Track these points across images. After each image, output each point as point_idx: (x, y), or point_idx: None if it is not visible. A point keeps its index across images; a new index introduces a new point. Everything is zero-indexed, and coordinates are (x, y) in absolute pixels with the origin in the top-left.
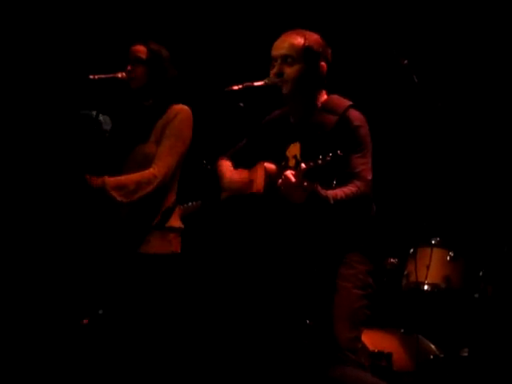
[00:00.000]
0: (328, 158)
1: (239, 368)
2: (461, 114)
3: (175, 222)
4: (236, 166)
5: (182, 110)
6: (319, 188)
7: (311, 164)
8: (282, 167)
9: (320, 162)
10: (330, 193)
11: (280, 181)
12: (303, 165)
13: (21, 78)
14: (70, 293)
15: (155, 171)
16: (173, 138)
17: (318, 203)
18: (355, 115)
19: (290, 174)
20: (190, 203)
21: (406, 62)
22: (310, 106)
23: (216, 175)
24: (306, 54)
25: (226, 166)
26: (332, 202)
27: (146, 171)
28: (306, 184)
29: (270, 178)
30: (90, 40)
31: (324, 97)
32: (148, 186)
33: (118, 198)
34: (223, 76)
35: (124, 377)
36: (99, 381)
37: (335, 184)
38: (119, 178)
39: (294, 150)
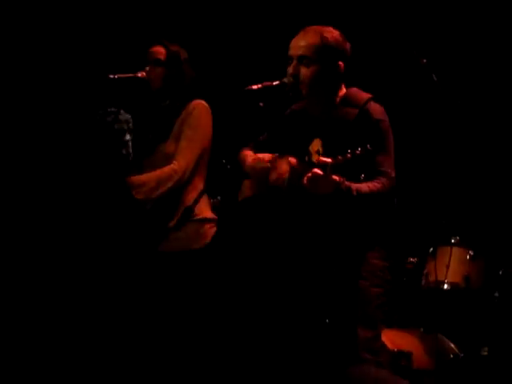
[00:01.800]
0: (357, 152)
1: (257, 364)
2: (480, 112)
3: (208, 212)
4: None
5: (197, 104)
6: (344, 180)
7: (340, 158)
8: (305, 162)
9: (349, 156)
10: (355, 185)
11: (308, 175)
12: (330, 159)
13: (40, 77)
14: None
15: (175, 166)
16: (190, 133)
17: (341, 194)
18: (376, 108)
19: (317, 169)
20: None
21: (425, 61)
22: (328, 101)
23: (238, 164)
24: (322, 54)
25: (248, 152)
26: (355, 193)
27: (166, 167)
28: (333, 178)
29: (294, 173)
30: (109, 39)
31: (343, 91)
32: (169, 181)
33: (139, 197)
34: (243, 75)
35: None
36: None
37: (363, 178)
38: (139, 176)
39: (316, 144)
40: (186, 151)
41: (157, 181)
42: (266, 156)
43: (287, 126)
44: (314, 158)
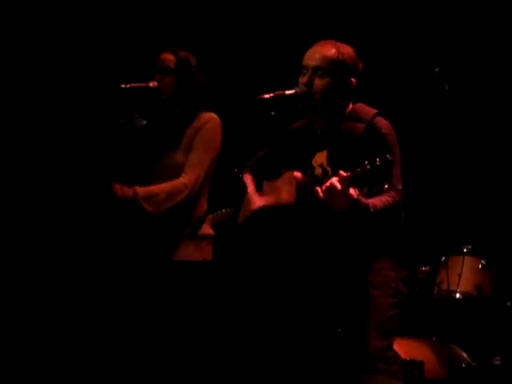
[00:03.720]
0: (378, 163)
1: (269, 374)
2: (492, 122)
3: (207, 229)
4: (257, 176)
5: (210, 118)
6: (360, 196)
7: (358, 170)
8: (309, 176)
9: (369, 167)
10: (371, 201)
11: (323, 187)
12: (344, 173)
13: (52, 86)
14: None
15: (185, 181)
16: (202, 148)
17: (359, 211)
18: (383, 123)
19: (335, 181)
20: (221, 211)
21: (437, 70)
22: (335, 117)
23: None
24: (337, 68)
25: (251, 187)
26: (372, 210)
27: (176, 181)
28: (352, 191)
29: (300, 187)
30: (120, 47)
31: (349, 106)
32: (178, 195)
33: (148, 209)
34: (254, 84)
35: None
36: None
37: (375, 191)
38: (150, 188)
39: (320, 158)
40: (196, 166)
41: (167, 194)
42: (269, 200)
43: (288, 142)
44: (317, 172)
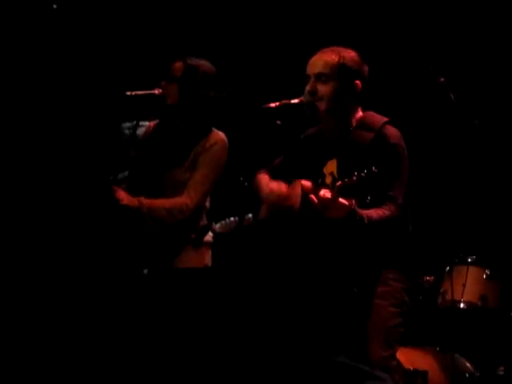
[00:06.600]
0: (363, 175)
1: (271, 381)
2: (498, 131)
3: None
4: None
5: (218, 140)
6: (356, 206)
7: (346, 181)
8: (319, 185)
9: (355, 178)
10: (366, 213)
11: (314, 197)
12: (337, 182)
13: (57, 93)
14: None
15: (188, 201)
16: (208, 169)
17: (354, 221)
18: (392, 132)
19: (325, 192)
20: (228, 219)
21: (442, 80)
22: (345, 123)
23: (253, 189)
24: (339, 72)
25: (264, 178)
26: (366, 221)
27: (179, 199)
28: (341, 201)
29: (307, 195)
30: (129, 55)
31: (359, 113)
32: (179, 214)
33: (150, 222)
34: (261, 93)
35: None
36: None
37: (369, 200)
38: (154, 201)
39: (330, 166)
40: (199, 186)
41: (167, 211)
42: (282, 187)
43: (303, 149)
44: (328, 180)
